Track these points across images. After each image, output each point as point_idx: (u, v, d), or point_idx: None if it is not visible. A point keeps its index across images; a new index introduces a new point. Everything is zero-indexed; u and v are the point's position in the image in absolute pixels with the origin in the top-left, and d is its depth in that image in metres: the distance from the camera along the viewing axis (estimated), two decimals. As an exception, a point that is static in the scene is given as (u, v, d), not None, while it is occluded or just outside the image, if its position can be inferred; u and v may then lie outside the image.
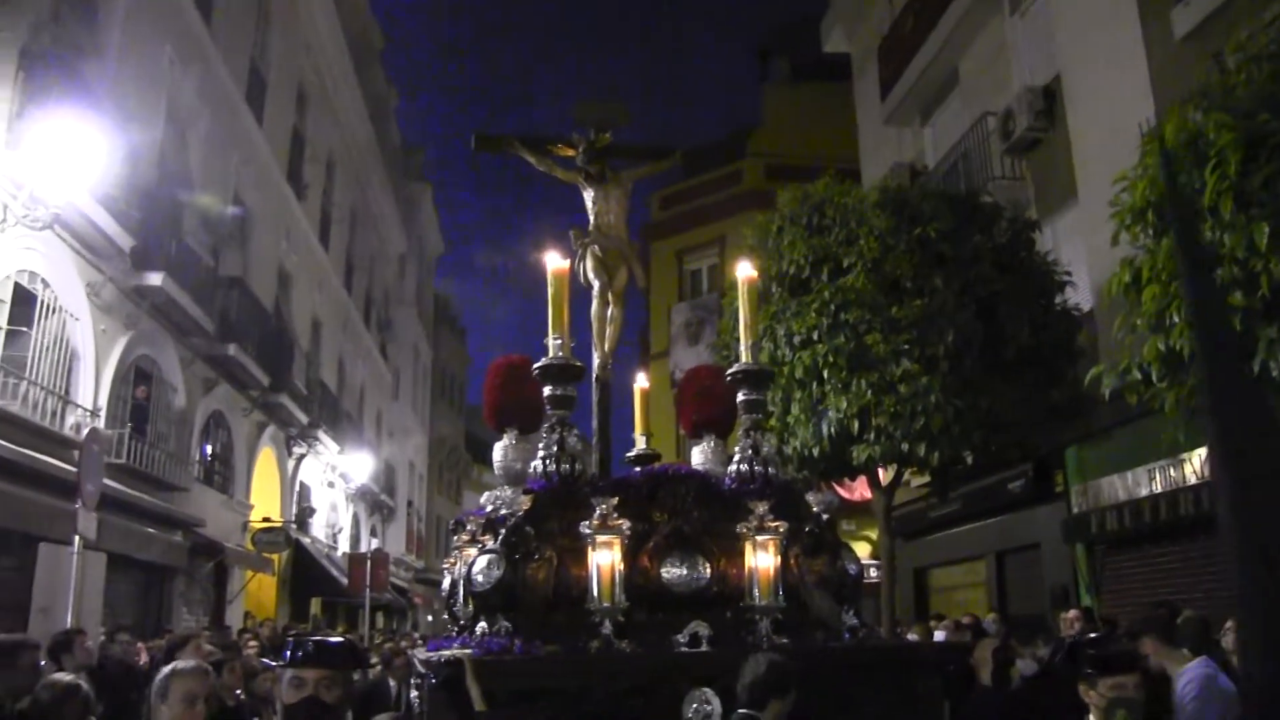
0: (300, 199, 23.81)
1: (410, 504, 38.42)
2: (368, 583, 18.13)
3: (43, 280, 12.08)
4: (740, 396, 5.32)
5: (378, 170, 32.98)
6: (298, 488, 23.79)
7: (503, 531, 4.71)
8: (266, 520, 20.52)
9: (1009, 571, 15.20)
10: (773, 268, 10.28)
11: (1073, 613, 9.50)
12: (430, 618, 39.21)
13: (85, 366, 13.01)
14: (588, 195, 6.13)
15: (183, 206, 16.00)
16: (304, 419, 22.06)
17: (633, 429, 6.59)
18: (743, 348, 5.35)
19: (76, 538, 8.71)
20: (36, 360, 11.92)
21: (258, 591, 20.93)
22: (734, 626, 4.59)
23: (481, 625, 4.60)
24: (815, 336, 9.71)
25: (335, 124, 27.74)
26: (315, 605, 25.40)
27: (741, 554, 4.66)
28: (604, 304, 6.00)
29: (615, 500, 4.48)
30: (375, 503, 31.62)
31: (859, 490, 15.17)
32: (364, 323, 31.78)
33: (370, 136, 31.19)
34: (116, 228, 12.72)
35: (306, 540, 23.46)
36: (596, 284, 5.95)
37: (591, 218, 6.13)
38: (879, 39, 20.04)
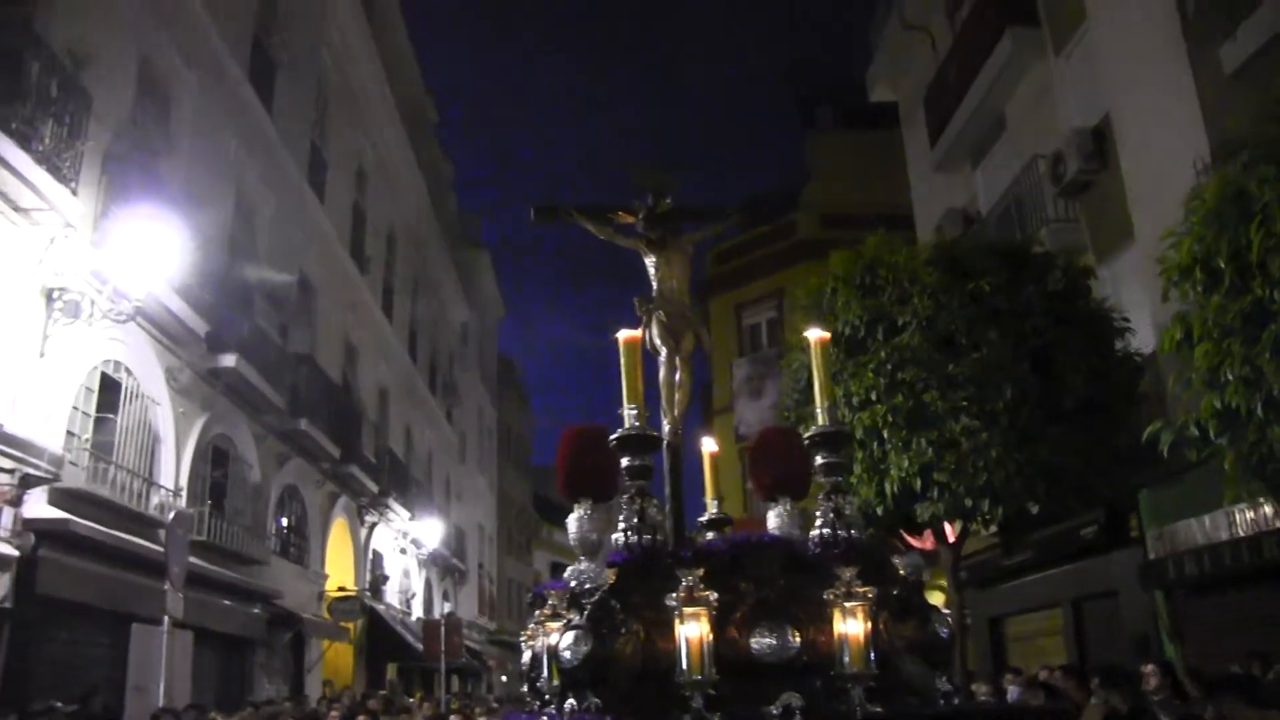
0: (363, 273, 24.40)
1: (481, 566, 38.70)
2: (443, 648, 18.32)
3: (126, 368, 12.58)
4: (819, 460, 5.23)
5: (436, 239, 33.65)
6: (370, 555, 24.15)
7: (587, 605, 4.65)
8: (341, 589, 20.90)
9: (1087, 620, 14.96)
10: (828, 329, 10.39)
11: (1149, 667, 9.35)
12: (504, 678, 39.34)
13: (166, 448, 13.47)
14: (649, 261, 6.09)
15: (252, 288, 16.54)
16: (374, 488, 22.45)
17: (701, 492, 6.51)
18: (819, 410, 5.25)
19: (166, 618, 9.02)
20: (122, 444, 12.38)
21: (335, 659, 21.23)
22: (825, 696, 4.50)
23: (570, 702, 4.55)
24: (873, 397, 9.80)
25: (394, 198, 28.42)
26: (391, 671, 25.70)
27: (829, 621, 4.55)
28: (671, 370, 5.94)
29: (701, 571, 4.40)
30: (447, 566, 31.92)
31: (928, 539, 15.13)
32: (429, 389, 32.28)
33: (427, 207, 31.89)
34: (192, 314, 13.21)
35: (381, 607, 23.77)
36: (664, 350, 5.91)
37: (654, 284, 6.08)
38: (924, 86, 20.20)
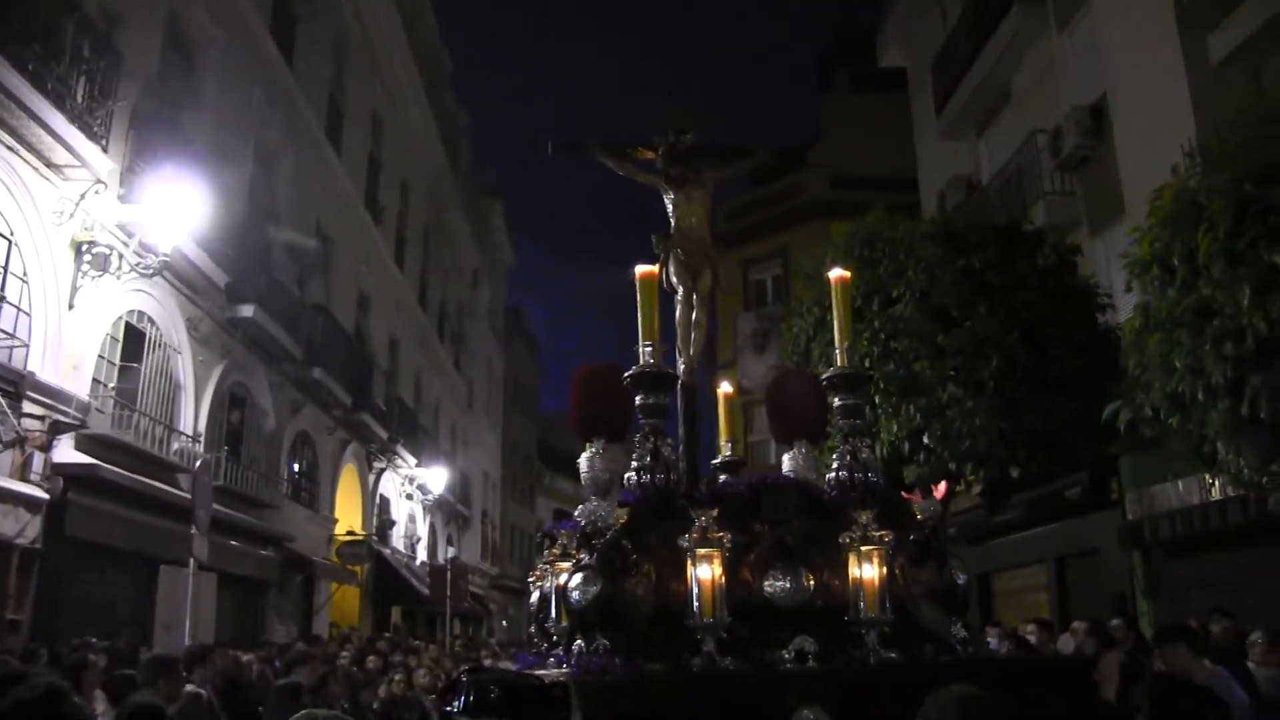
0: (377, 223, 24.81)
1: (485, 513, 39.39)
2: (448, 593, 18.95)
3: (149, 319, 13.06)
4: (836, 401, 5.16)
5: (450, 189, 33.97)
6: (378, 501, 24.79)
7: (598, 545, 4.58)
8: (350, 533, 21.52)
9: (1069, 576, 15.54)
10: (827, 298, 10.83)
11: (1116, 621, 9.91)
12: (505, 623, 40.24)
13: (186, 395, 13.98)
14: (669, 198, 6.04)
15: (270, 240, 16.97)
16: (384, 435, 23.02)
17: (714, 435, 6.45)
18: (837, 350, 5.19)
19: (192, 560, 9.58)
20: (145, 392, 12.90)
21: (341, 602, 21.89)
22: (840, 641, 4.41)
23: (579, 643, 4.48)
24: (867, 364, 10.25)
25: (409, 148, 28.74)
26: (396, 614, 26.42)
27: (845, 565, 4.48)
28: (689, 308, 5.89)
29: (715, 512, 4.33)
30: (451, 512, 32.60)
31: (917, 498, 15.63)
32: (438, 338, 32.78)
33: (442, 157, 32.17)
34: (214, 266, 13.66)
35: (387, 551, 24.42)
36: (681, 288, 5.85)
37: (673, 221, 6.02)
38: (934, 54, 20.44)
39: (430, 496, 28.74)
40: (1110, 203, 13.96)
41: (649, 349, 4.85)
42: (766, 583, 4.49)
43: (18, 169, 10.18)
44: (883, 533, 4.46)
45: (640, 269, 5.00)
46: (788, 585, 4.47)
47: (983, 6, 17.87)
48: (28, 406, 10.10)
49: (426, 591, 22.76)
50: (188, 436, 13.70)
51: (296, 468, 19.43)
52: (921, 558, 4.78)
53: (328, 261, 20.86)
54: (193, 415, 14.07)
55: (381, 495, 25.15)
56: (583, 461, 5.01)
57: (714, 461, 6.30)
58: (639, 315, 4.91)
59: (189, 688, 5.86)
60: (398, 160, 27.44)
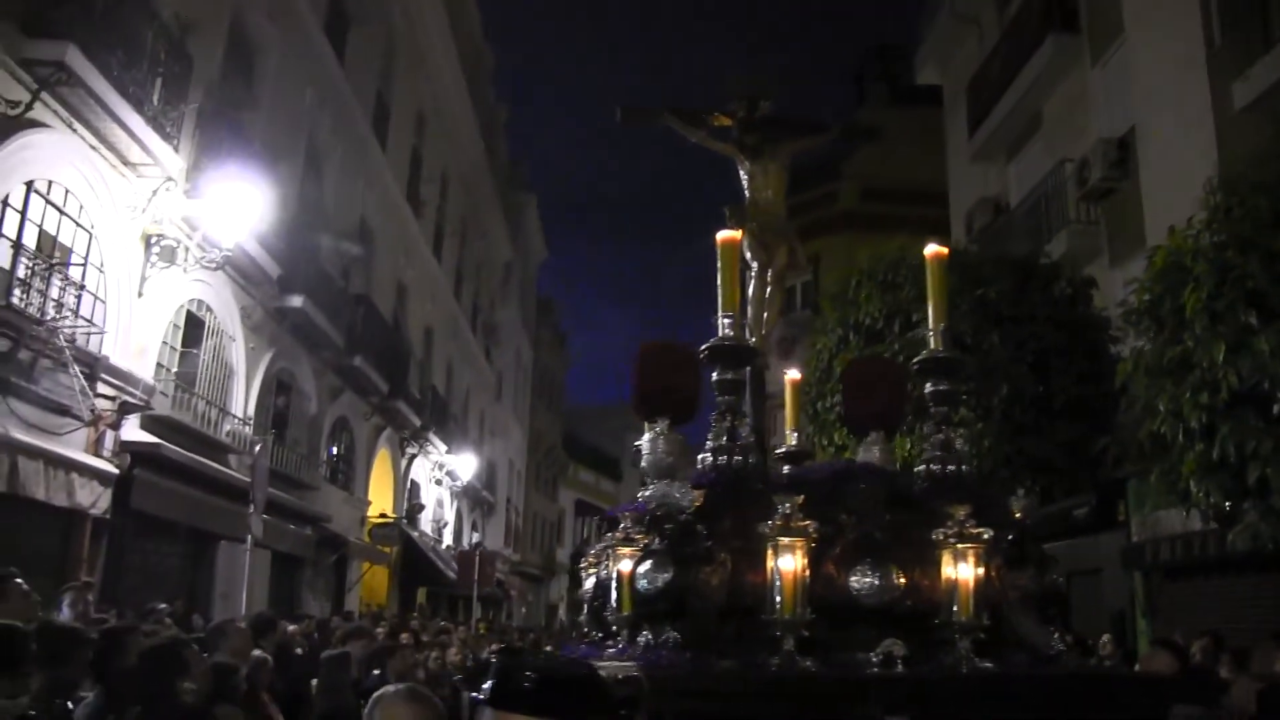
0: (418, 216, 25.54)
1: (509, 500, 40.18)
2: (475, 577, 19.65)
3: (208, 307, 13.79)
4: (928, 387, 4.87)
5: (487, 182, 34.67)
6: (409, 485, 25.57)
7: (669, 529, 4.25)
8: (382, 515, 22.31)
9: (1073, 593, 16.00)
10: (851, 317, 11.46)
11: (1105, 637, 10.47)
12: (524, 609, 41.11)
13: (238, 380, 14.72)
14: (743, 170, 5.77)
15: (319, 232, 17.69)
16: (417, 422, 23.78)
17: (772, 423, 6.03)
18: (930, 333, 4.87)
19: (249, 537, 10.30)
20: (202, 376, 13.65)
21: (370, 581, 22.68)
22: (929, 646, 4.07)
23: (645, 635, 4.15)
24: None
25: (450, 142, 29.44)
26: (421, 594, 27.22)
27: (936, 564, 4.13)
28: (762, 284, 5.64)
29: (800, 499, 3.97)
30: (477, 499, 33.37)
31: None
32: (471, 328, 33.52)
33: (481, 151, 32.86)
34: (267, 258, 14.38)
35: (415, 534, 25.18)
36: (755, 264, 5.60)
37: (748, 193, 5.75)
38: (969, 75, 20.91)
39: (458, 483, 29.50)
40: (1132, 235, 14.42)
41: (728, 320, 4.54)
42: (853, 579, 4.16)
43: (99, 167, 10.89)
44: (980, 530, 4.10)
45: (721, 234, 4.68)
46: (876, 582, 4.14)
47: (1018, 33, 18.33)
48: (101, 388, 10.83)
49: (453, 574, 23.47)
50: (239, 419, 14.43)
51: (335, 451, 20.19)
52: (1019, 560, 4.46)
53: (369, 253, 21.59)
54: (243, 399, 14.81)
55: (412, 480, 25.93)
56: (644, 443, 4.75)
57: (777, 450, 5.94)
58: (719, 283, 4.62)
59: (256, 652, 6.47)
60: (438, 154, 28.15)
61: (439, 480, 28.44)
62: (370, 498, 22.17)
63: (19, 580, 5.58)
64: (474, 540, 31.34)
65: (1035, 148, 18.56)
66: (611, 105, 6.16)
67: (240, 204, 12.58)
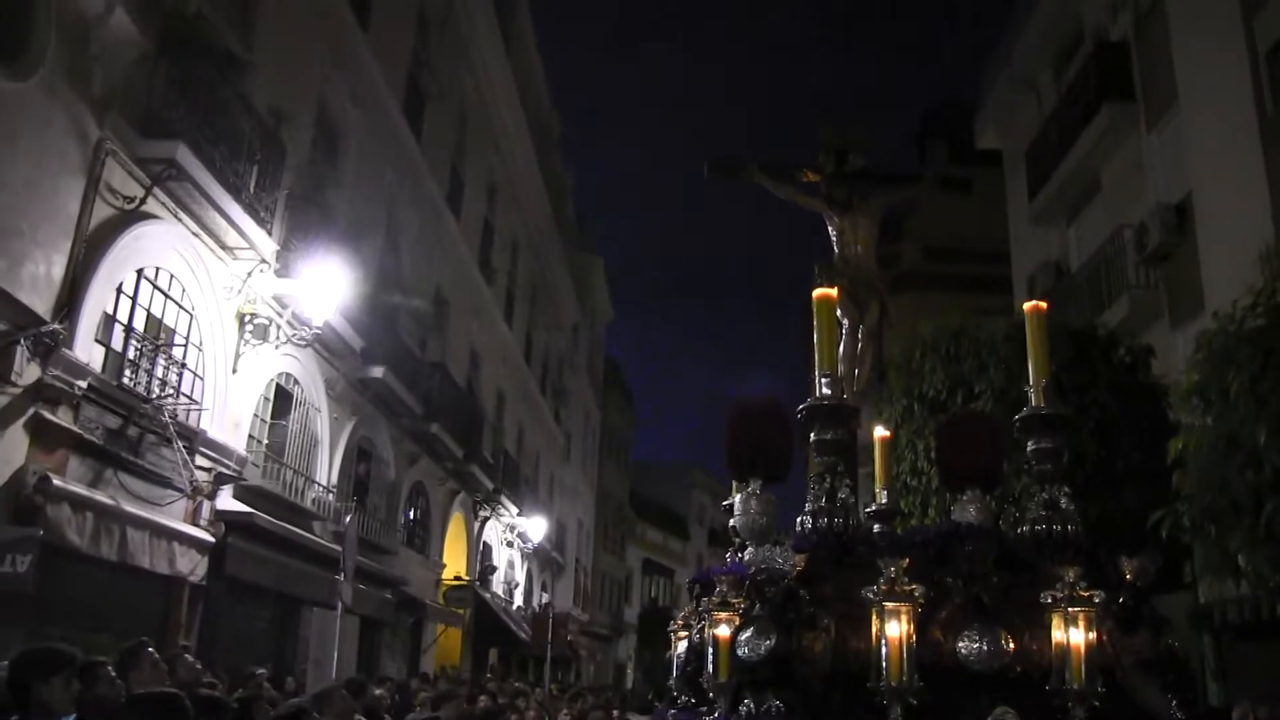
0: (489, 284, 26.32)
1: (577, 560, 40.57)
2: (549, 639, 20.04)
3: (295, 380, 14.50)
4: (1030, 445, 4.81)
5: (555, 246, 35.54)
6: (481, 547, 26.11)
7: (770, 594, 4.17)
8: (457, 578, 22.84)
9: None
10: (915, 389, 11.80)
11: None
12: (592, 669, 41.32)
13: (322, 449, 15.37)
14: (832, 225, 5.74)
15: (397, 305, 18.43)
16: (490, 485, 24.36)
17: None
18: (1031, 391, 4.85)
19: (339, 604, 10.84)
20: (290, 446, 14.33)
21: (444, 642, 23.14)
22: (1042, 714, 3.94)
23: (747, 703, 4.09)
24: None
25: (519, 210, 30.31)
26: (493, 655, 27.65)
27: (1046, 627, 4.02)
28: (854, 341, 5.60)
29: (906, 562, 3.94)
30: (546, 559, 33.82)
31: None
32: (540, 390, 34.20)
33: (548, 217, 33.73)
34: (351, 332, 15.06)
35: (488, 595, 25.65)
36: (846, 320, 5.53)
37: (837, 248, 5.73)
38: (1028, 139, 21.25)
39: (529, 545, 29.98)
40: (1191, 299, 14.60)
41: (826, 379, 4.48)
42: (960, 643, 4.06)
43: (200, 252, 11.64)
44: (1092, 592, 3.99)
45: (817, 291, 4.62)
46: (985, 647, 4.03)
47: (1075, 100, 18.68)
48: (199, 460, 11.49)
49: (525, 635, 23.88)
50: (323, 487, 15.07)
51: (412, 515, 20.79)
52: (1132, 623, 4.33)
53: (444, 321, 22.33)
54: (327, 467, 15.45)
55: (485, 542, 26.47)
56: (737, 503, 4.72)
57: (867, 509, 5.85)
58: (816, 342, 4.57)
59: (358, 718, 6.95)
60: (508, 222, 28.99)
61: (510, 542, 28.95)
62: (445, 560, 22.70)
63: (150, 649, 6.08)
64: (544, 600, 31.77)
65: (1094, 211, 18.81)
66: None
67: (327, 282, 13.26)
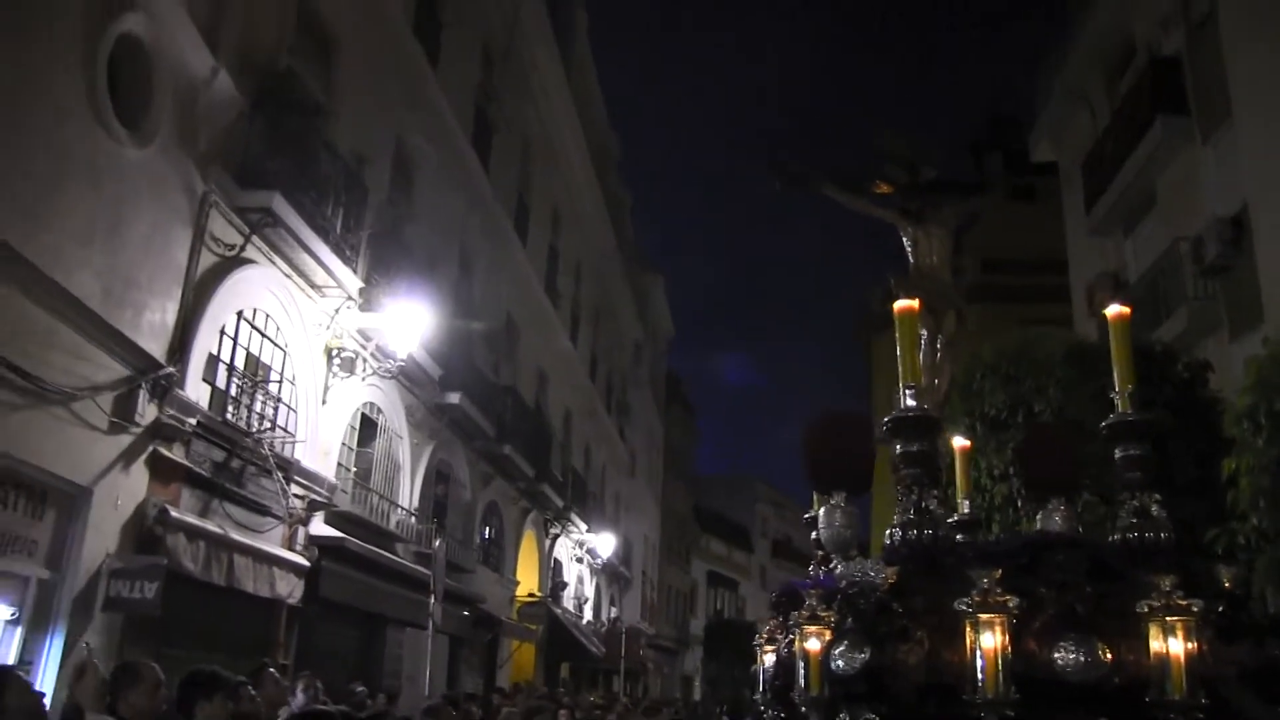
0: (555, 307, 27.00)
1: (644, 574, 41.10)
2: (623, 653, 20.56)
3: (379, 409, 15.21)
4: (1118, 453, 4.77)
5: (616, 267, 36.18)
6: (552, 564, 26.75)
7: (862, 607, 4.21)
8: (530, 595, 23.47)
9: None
10: (976, 409, 12.16)
11: None
12: (659, 681, 41.79)
13: (404, 474, 16.07)
14: (906, 236, 5.77)
15: (471, 332, 19.12)
16: (559, 503, 25.02)
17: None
18: (1118, 396, 4.77)
19: (430, 623, 11.48)
20: (375, 472, 15.03)
21: (518, 657, 23.77)
22: None
23: (842, 717, 4.13)
24: (1011, 471, 11.50)
25: (581, 233, 30.97)
26: (564, 669, 28.26)
27: (1143, 638, 3.95)
28: (932, 352, 5.63)
29: (998, 572, 3.89)
30: (614, 574, 34.39)
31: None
32: (605, 409, 34.82)
33: (610, 238, 34.38)
34: (430, 361, 15.75)
35: (559, 611, 26.28)
36: (923, 331, 5.50)
37: (912, 260, 5.75)
38: (1083, 151, 21.44)
39: (598, 560, 30.58)
40: (1250, 311, 14.75)
41: (911, 391, 4.52)
42: (1056, 655, 4.00)
43: (292, 292, 12.37)
44: (1190, 601, 3.91)
45: (899, 304, 4.68)
46: (1081, 659, 3.95)
47: (1129, 113, 18.89)
48: (294, 488, 12.20)
49: (596, 649, 24.44)
50: (405, 510, 15.76)
51: (487, 534, 21.47)
52: (1232, 631, 4.26)
53: (514, 345, 23.02)
54: (409, 491, 16.14)
55: (555, 559, 27.12)
56: (821, 517, 4.72)
57: (949, 520, 5.59)
58: (899, 353, 4.62)
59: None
60: (571, 244, 29.67)
61: (579, 558, 29.58)
62: (518, 578, 23.35)
63: (272, 669, 6.71)
64: (612, 615, 32.35)
65: (1150, 223, 18.97)
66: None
67: (408, 314, 13.94)
